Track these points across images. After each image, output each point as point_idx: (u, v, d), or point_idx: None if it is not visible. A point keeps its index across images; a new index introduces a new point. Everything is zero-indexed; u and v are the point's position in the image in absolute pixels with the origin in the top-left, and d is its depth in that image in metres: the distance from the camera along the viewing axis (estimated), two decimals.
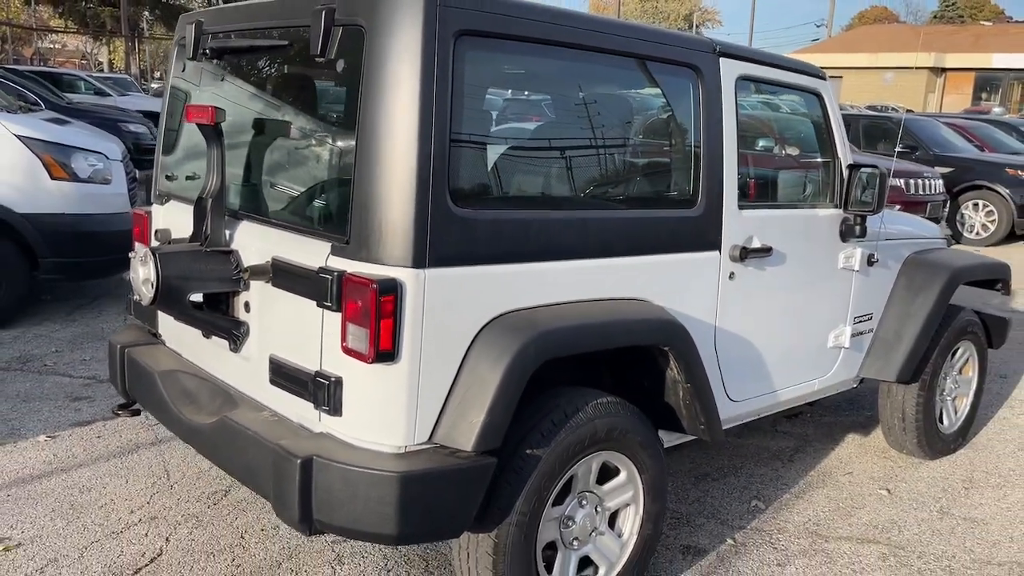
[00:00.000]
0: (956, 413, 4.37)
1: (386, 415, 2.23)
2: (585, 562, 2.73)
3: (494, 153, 2.46)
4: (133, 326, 3.36)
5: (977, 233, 12.14)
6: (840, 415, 4.84)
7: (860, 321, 3.75)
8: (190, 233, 2.69)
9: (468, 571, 2.48)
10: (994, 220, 12.01)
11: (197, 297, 2.71)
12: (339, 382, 2.27)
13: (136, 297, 2.65)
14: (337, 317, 2.24)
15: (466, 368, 2.29)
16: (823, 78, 3.43)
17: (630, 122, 2.91)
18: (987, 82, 47.68)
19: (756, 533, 3.45)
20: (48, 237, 5.65)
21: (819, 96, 3.41)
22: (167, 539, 3.16)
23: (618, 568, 2.76)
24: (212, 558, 3.05)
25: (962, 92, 47.35)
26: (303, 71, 2.60)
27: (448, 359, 2.27)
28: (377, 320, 2.13)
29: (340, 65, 2.33)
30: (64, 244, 5.73)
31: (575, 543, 2.66)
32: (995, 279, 4.39)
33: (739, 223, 3.00)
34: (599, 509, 2.71)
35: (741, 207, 3.01)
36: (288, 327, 2.45)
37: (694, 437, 3.03)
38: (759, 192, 3.25)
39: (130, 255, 2.64)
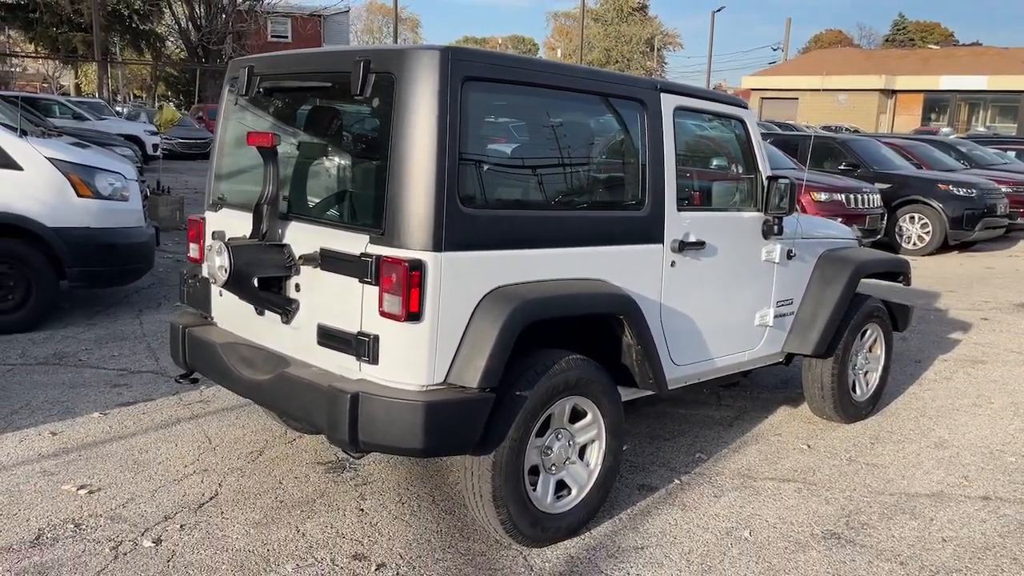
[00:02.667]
0: (868, 385, 5.21)
1: (413, 361, 2.99)
2: (561, 485, 3.50)
3: (491, 167, 3.25)
4: (187, 312, 4.09)
5: (914, 244, 13.13)
6: (775, 392, 5.67)
7: (782, 305, 4.58)
8: (249, 231, 3.44)
9: (472, 486, 3.24)
10: (929, 232, 13.02)
11: (254, 281, 3.47)
12: (376, 338, 3.02)
13: (212, 280, 3.38)
14: (375, 290, 3.00)
15: (471, 327, 3.06)
16: (745, 107, 4.28)
17: (593, 143, 3.72)
18: (936, 103, 49.71)
19: (698, 476, 4.24)
20: (74, 249, 6.32)
21: (743, 122, 4.25)
22: (219, 484, 3.88)
23: (586, 490, 3.53)
24: (259, 497, 3.77)
25: (912, 113, 49.31)
26: (341, 106, 3.37)
27: (458, 320, 3.04)
28: (408, 289, 2.90)
29: (374, 102, 3.11)
30: (89, 255, 6.41)
31: (553, 468, 3.43)
32: (896, 272, 5.26)
33: (678, 222, 3.81)
34: (571, 443, 3.48)
35: (680, 209, 3.82)
36: (333, 300, 3.20)
37: (648, 392, 3.82)
38: (694, 198, 4.07)
39: (206, 248, 3.37)
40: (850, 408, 5.02)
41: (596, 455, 3.57)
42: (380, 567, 3.24)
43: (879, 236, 12.38)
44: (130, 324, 6.70)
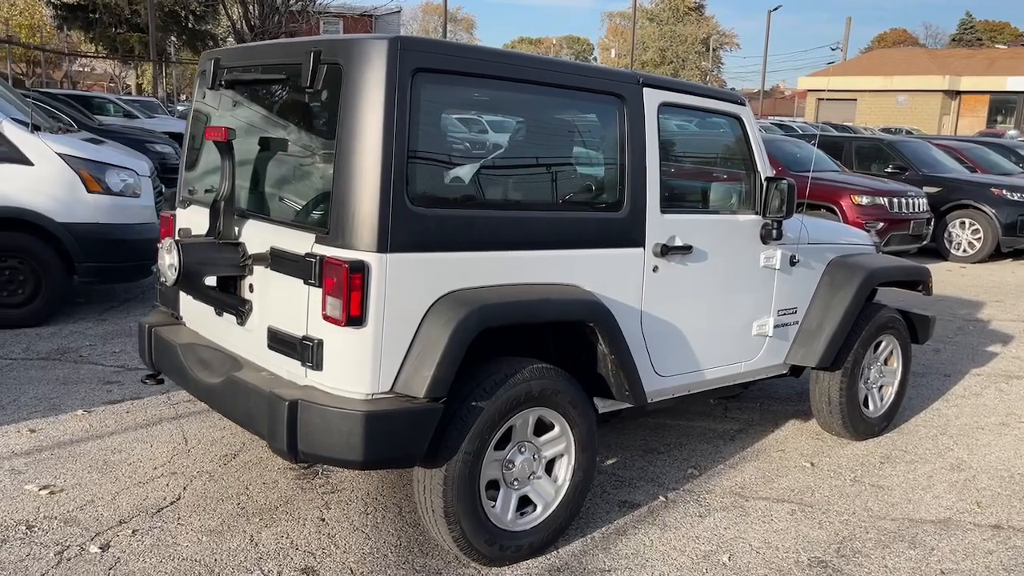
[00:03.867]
0: (882, 400, 4.90)
1: (356, 368, 2.84)
2: (526, 501, 3.31)
3: (445, 163, 3.07)
4: (160, 311, 4.00)
5: (964, 251, 12.59)
6: (786, 404, 5.39)
7: (784, 314, 4.32)
8: (207, 229, 3.33)
9: (425, 500, 3.07)
10: (980, 238, 12.46)
11: (211, 281, 3.36)
12: (320, 343, 2.88)
13: (163, 280, 3.28)
14: (319, 292, 2.85)
15: (421, 333, 2.89)
16: (743, 104, 4.03)
17: (564, 140, 3.52)
18: (1002, 105, 48.08)
19: (686, 493, 4.01)
20: (84, 244, 6.32)
21: (740, 119, 4.01)
22: (184, 488, 3.78)
23: (553, 507, 3.34)
24: (221, 503, 3.66)
25: (977, 115, 47.77)
26: (296, 99, 3.23)
27: (406, 325, 2.88)
28: (348, 292, 2.75)
29: (324, 95, 2.97)
30: (98, 250, 6.41)
31: (515, 483, 3.25)
32: (915, 281, 4.95)
33: (661, 225, 3.59)
34: (536, 457, 3.29)
35: (664, 211, 3.60)
36: (282, 302, 3.07)
37: (627, 405, 3.61)
38: (682, 199, 3.84)
39: (158, 246, 3.28)
40: (861, 424, 4.73)
41: (565, 470, 3.37)
42: None
43: (925, 242, 11.90)
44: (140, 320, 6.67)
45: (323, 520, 3.54)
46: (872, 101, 48.99)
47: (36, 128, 6.44)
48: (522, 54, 3.21)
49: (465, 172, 3.14)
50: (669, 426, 4.87)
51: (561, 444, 3.34)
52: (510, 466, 3.22)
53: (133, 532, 3.36)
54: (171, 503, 3.63)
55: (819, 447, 4.68)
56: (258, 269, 3.19)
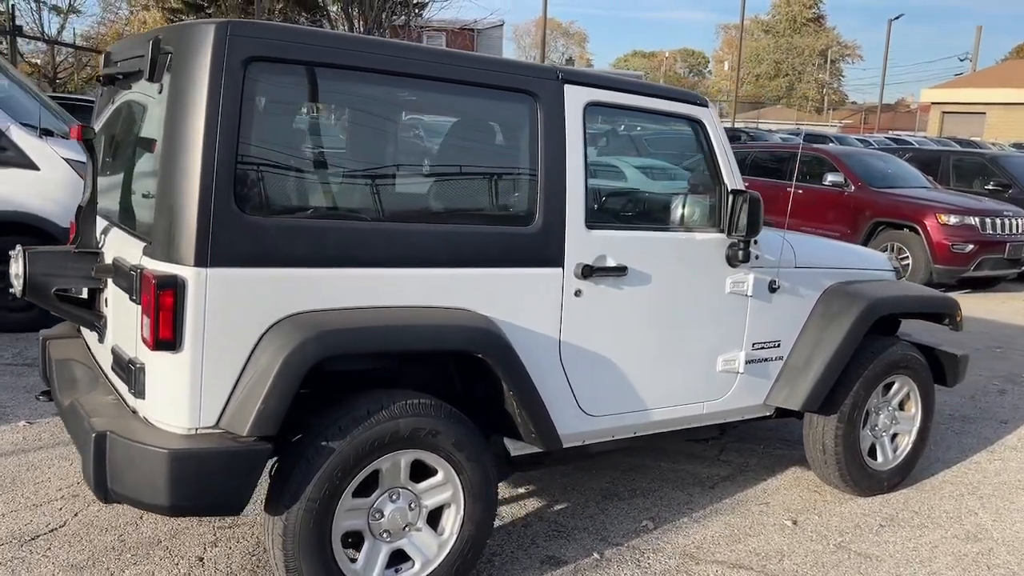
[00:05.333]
0: (895, 451, 4.22)
1: (173, 399, 2.49)
2: (402, 555, 2.88)
3: (290, 166, 2.68)
4: (67, 322, 3.78)
5: None
6: (795, 448, 4.74)
7: (762, 347, 3.73)
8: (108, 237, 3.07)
9: (270, 551, 2.69)
10: None
11: (85, 293, 3.09)
12: (143, 368, 2.55)
13: (10, 290, 3.04)
14: (139, 310, 2.52)
15: (252, 361, 2.52)
16: (703, 105, 3.48)
17: (452, 143, 3.08)
18: None
19: (629, 551, 3.48)
20: None
21: (699, 123, 3.46)
22: (76, 514, 3.52)
23: (435, 564, 2.89)
24: (103, 533, 3.37)
25: None
26: (147, 94, 2.92)
27: (234, 351, 2.51)
28: (157, 312, 2.40)
29: (161, 87, 2.64)
30: None
31: (385, 535, 2.82)
32: (939, 313, 4.24)
33: (586, 242, 3.10)
34: (415, 506, 2.85)
35: (590, 227, 3.11)
36: (122, 320, 2.76)
37: (535, 449, 3.13)
38: (618, 213, 3.34)
39: (10, 253, 3.03)
40: (863, 478, 4.06)
41: (452, 522, 2.92)
42: None
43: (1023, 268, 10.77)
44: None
45: (200, 560, 3.21)
46: (1003, 115, 45.82)
47: (47, 133, 6.44)
48: (399, 43, 2.79)
49: (320, 177, 2.75)
50: (647, 468, 4.33)
51: (446, 492, 2.89)
52: (378, 516, 2.80)
53: None
54: (51, 531, 3.37)
55: (811, 503, 4.05)
56: (111, 281, 2.89)
